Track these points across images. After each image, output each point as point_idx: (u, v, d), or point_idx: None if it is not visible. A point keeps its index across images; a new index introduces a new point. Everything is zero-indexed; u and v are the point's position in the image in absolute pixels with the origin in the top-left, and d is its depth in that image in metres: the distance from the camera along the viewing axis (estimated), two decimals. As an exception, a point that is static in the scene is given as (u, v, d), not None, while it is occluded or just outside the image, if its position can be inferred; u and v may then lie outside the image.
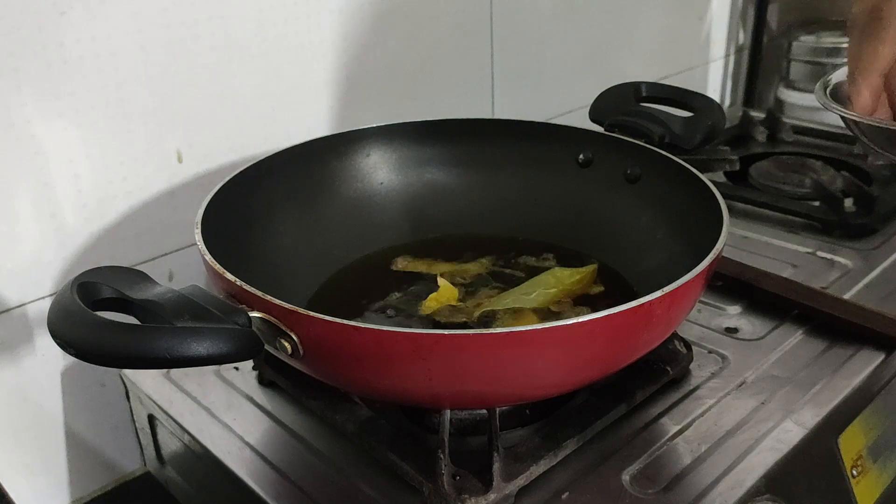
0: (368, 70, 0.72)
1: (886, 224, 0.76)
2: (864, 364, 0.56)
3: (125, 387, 0.62)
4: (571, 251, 0.64)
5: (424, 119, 0.68)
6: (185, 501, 0.61)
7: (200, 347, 0.36)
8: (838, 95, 0.50)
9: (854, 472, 0.53)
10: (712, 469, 0.47)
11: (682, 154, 0.60)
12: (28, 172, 0.55)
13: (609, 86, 0.70)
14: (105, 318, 0.37)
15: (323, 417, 0.53)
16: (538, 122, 0.68)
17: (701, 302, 0.64)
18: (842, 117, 0.47)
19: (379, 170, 0.67)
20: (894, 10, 0.47)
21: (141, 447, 0.65)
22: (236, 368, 0.59)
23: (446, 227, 0.67)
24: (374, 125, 0.66)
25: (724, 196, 0.52)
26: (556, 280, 0.58)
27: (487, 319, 0.55)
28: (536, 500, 0.46)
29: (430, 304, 0.57)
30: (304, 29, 0.66)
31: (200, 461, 0.53)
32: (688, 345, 0.57)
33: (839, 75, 0.51)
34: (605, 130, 0.65)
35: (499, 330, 0.39)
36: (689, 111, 0.65)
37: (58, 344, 0.37)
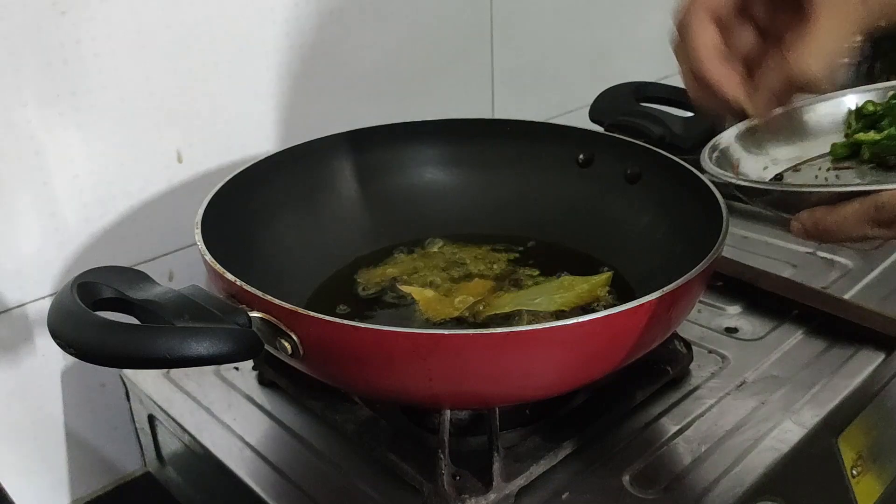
0: (368, 70, 0.72)
1: (886, 224, 0.76)
2: (864, 364, 0.56)
3: (125, 387, 0.62)
4: (572, 251, 0.64)
5: (424, 119, 0.68)
6: (185, 501, 0.61)
7: (200, 347, 0.36)
8: (723, 160, 0.49)
9: (854, 472, 0.53)
10: (712, 469, 0.47)
11: (682, 154, 0.60)
12: (28, 172, 0.55)
13: (609, 86, 0.70)
14: (105, 318, 0.37)
15: (323, 417, 0.53)
16: (538, 122, 0.68)
17: (701, 302, 0.64)
18: (730, 184, 0.46)
19: (379, 170, 0.67)
20: None
21: (141, 447, 0.65)
22: (236, 368, 0.59)
23: (446, 226, 0.67)
24: (375, 125, 0.66)
25: (725, 196, 0.52)
26: (569, 287, 0.58)
27: (503, 320, 0.55)
28: (536, 500, 0.46)
29: (427, 311, 0.57)
30: (304, 29, 0.66)
31: (200, 461, 0.53)
32: (688, 345, 0.57)
33: (726, 139, 0.51)
34: (605, 130, 0.66)
35: (499, 330, 0.39)
36: (689, 111, 0.65)
37: (58, 344, 0.37)
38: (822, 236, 0.40)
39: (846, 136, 0.51)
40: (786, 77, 0.41)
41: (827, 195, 0.39)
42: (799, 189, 0.43)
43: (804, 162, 0.51)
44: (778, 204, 0.43)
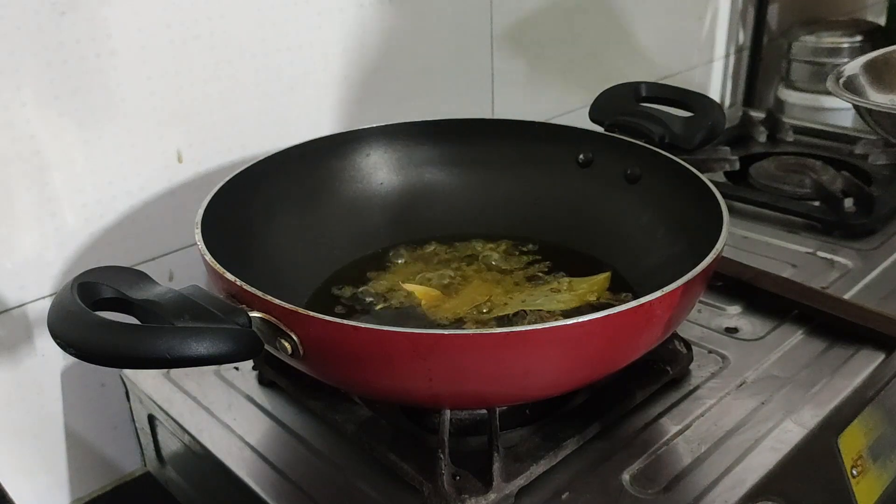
0: (368, 70, 0.72)
1: (886, 224, 0.76)
2: (864, 364, 0.56)
3: (125, 387, 0.62)
4: (572, 251, 0.64)
5: (424, 119, 0.68)
6: (185, 501, 0.61)
7: (200, 347, 0.36)
8: (851, 87, 0.49)
9: (854, 472, 0.53)
10: (712, 469, 0.47)
11: (682, 154, 0.60)
12: (28, 172, 0.55)
13: (609, 86, 0.69)
14: (105, 318, 0.37)
15: (323, 417, 0.53)
16: (538, 122, 0.68)
17: (701, 302, 0.64)
18: (855, 106, 0.46)
19: (379, 170, 0.67)
20: None
21: (141, 447, 0.65)
22: (236, 368, 0.59)
23: (446, 227, 0.67)
24: (374, 125, 0.66)
25: (724, 196, 0.52)
26: (568, 288, 0.58)
27: (504, 320, 0.55)
28: (536, 500, 0.46)
29: (430, 310, 0.57)
30: (303, 29, 0.66)
31: (200, 461, 0.53)
32: (688, 345, 0.57)
33: (852, 67, 0.50)
34: (605, 130, 0.65)
35: (499, 330, 0.39)
36: (689, 111, 0.65)
37: (58, 344, 0.37)
38: None
39: None
40: None
41: None
42: None
43: None
44: None
